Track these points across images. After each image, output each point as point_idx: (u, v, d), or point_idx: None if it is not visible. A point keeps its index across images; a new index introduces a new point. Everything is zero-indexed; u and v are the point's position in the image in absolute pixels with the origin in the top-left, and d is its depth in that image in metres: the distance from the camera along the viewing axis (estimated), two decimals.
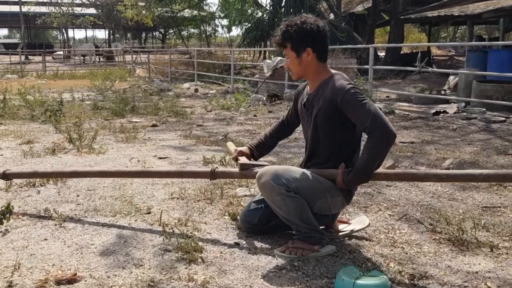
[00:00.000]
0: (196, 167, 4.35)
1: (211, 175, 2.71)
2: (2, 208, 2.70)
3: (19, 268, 2.22)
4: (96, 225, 2.82)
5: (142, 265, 2.26)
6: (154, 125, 7.10)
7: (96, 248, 2.47)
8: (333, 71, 2.52)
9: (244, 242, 2.57)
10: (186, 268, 2.23)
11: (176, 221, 2.87)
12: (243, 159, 2.68)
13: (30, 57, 32.46)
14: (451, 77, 11.19)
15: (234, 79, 13.70)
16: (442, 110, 8.21)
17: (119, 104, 8.71)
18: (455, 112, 8.17)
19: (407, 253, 2.50)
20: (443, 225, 2.91)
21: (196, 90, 13.42)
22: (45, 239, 2.59)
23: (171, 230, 2.64)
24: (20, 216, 2.95)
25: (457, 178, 2.88)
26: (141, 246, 2.50)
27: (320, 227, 2.51)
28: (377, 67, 10.26)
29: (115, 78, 16.54)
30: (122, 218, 2.95)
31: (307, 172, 2.42)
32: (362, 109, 2.26)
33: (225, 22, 35.66)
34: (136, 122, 7.44)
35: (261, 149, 2.85)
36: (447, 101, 9.19)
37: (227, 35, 40.90)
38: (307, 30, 2.43)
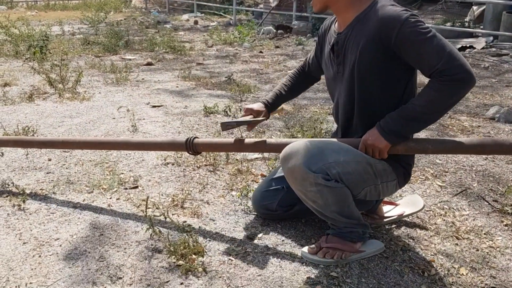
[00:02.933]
0: (196, 118, 3.65)
1: (187, 147, 1.98)
2: None
3: None
4: (67, 206, 2.16)
5: (120, 278, 1.62)
6: (149, 64, 6.32)
7: (61, 246, 1.83)
8: None
9: (260, 235, 1.92)
10: (181, 284, 1.59)
11: (170, 200, 2.22)
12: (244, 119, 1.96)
13: None
14: (474, 7, 10.16)
15: (237, 9, 12.62)
16: (468, 45, 7.38)
17: (112, 38, 7.86)
18: (483, 48, 7.33)
19: (477, 250, 1.87)
20: None
21: (196, 22, 12.39)
22: None
23: (162, 217, 1.99)
24: None
25: None
26: (122, 242, 1.85)
27: (360, 212, 1.85)
28: None
29: (110, 9, 15.46)
30: (101, 195, 2.28)
31: (351, 149, 1.69)
32: (430, 46, 1.52)
33: None
34: (130, 59, 6.66)
35: (278, 103, 2.10)
36: (471, 35, 8.29)
37: None
38: None
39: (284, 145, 1.74)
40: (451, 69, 1.50)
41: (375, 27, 1.61)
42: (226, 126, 1.90)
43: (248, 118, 1.94)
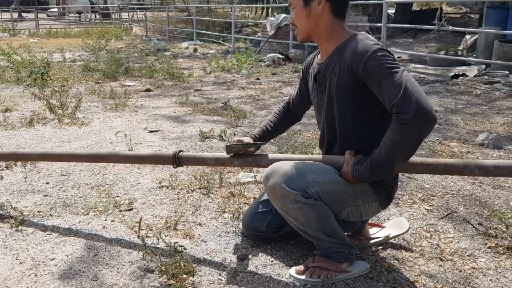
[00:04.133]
0: (192, 143, 3.74)
1: (173, 160, 2.06)
2: None
3: None
4: (63, 228, 2.23)
5: None
6: (148, 90, 6.46)
7: (56, 265, 1.89)
8: (353, 31, 1.84)
9: (250, 256, 1.98)
10: None
11: (163, 222, 2.28)
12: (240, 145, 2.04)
13: (23, 14, 31.27)
14: (467, 36, 10.40)
15: (235, 38, 12.88)
16: (461, 73, 7.53)
17: (112, 65, 8.04)
18: (475, 75, 7.49)
19: (460, 271, 1.92)
20: (496, 225, 2.33)
21: (195, 50, 12.64)
22: None
23: (155, 239, 2.05)
24: None
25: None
26: (115, 262, 1.92)
27: (346, 234, 1.92)
28: (391, 25, 9.46)
29: (111, 36, 15.75)
30: (96, 217, 2.35)
31: (331, 170, 1.78)
32: (390, 80, 1.58)
33: None
34: (129, 85, 6.80)
35: (264, 138, 2.18)
36: (464, 63, 8.47)
37: None
38: None
39: (263, 159, 1.85)
40: (406, 106, 1.53)
41: (348, 58, 1.72)
42: (231, 149, 1.97)
43: (251, 142, 2.02)
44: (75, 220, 2.32)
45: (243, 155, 1.99)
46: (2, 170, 3.05)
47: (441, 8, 18.34)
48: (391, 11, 17.98)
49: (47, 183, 2.83)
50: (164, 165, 2.71)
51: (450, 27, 8.39)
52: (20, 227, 2.22)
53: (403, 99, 1.54)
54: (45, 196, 2.64)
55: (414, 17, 15.36)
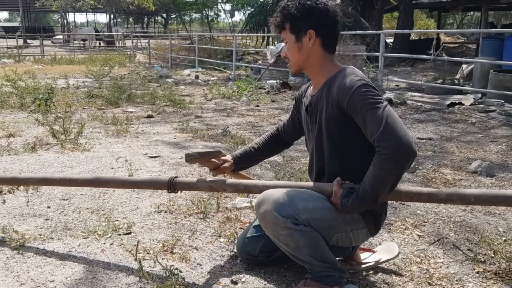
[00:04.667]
0: (190, 168, 3.82)
1: (169, 186, 2.14)
2: None
3: None
4: (63, 251, 2.30)
5: None
6: (149, 116, 6.59)
7: (55, 287, 1.95)
8: (343, 65, 1.94)
9: (243, 279, 2.04)
10: None
11: (160, 246, 2.35)
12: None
13: (29, 41, 31.81)
14: (464, 66, 10.60)
15: (236, 65, 13.12)
16: (457, 102, 7.67)
17: (115, 92, 8.20)
18: (471, 104, 7.63)
19: None
20: (485, 250, 2.39)
21: (197, 77, 12.87)
22: None
23: (152, 262, 2.12)
24: None
25: (491, 201, 1.84)
26: (113, 284, 1.97)
27: (338, 259, 1.99)
28: (388, 54, 9.66)
29: (114, 63, 16.02)
30: (96, 240, 2.42)
31: (322, 198, 1.86)
32: (373, 115, 1.66)
33: (228, 6, 34.76)
34: (131, 112, 6.93)
35: (246, 160, 2.28)
36: (461, 92, 8.63)
37: (230, 20, 39.97)
38: (310, 7, 1.87)
39: (254, 187, 1.93)
40: (386, 140, 1.60)
41: (335, 92, 1.82)
42: (189, 157, 2.07)
43: (211, 149, 2.14)
44: (75, 243, 2.38)
45: (236, 183, 2.06)
46: (5, 194, 3.12)
47: (438, 38, 18.72)
48: (390, 40, 18.33)
49: (49, 207, 2.90)
50: (161, 190, 2.78)
51: (446, 57, 8.57)
52: (21, 250, 2.29)
53: (384, 133, 1.62)
54: (46, 220, 2.71)
55: (412, 46, 15.68)
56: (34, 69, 14.08)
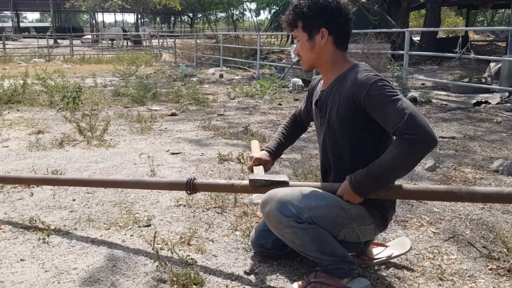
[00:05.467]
0: (210, 165, 3.90)
1: (187, 186, 2.18)
2: None
3: None
4: (85, 241, 2.41)
5: None
6: (173, 114, 6.71)
7: (78, 274, 2.05)
8: (355, 61, 1.98)
9: (257, 270, 2.10)
10: None
11: (178, 238, 2.43)
12: (257, 170, 2.18)
13: (59, 41, 32.64)
14: (492, 64, 10.39)
15: (260, 64, 13.18)
16: (483, 100, 7.54)
17: (140, 91, 8.38)
18: (498, 103, 7.49)
19: None
20: (500, 248, 2.39)
21: (221, 76, 12.99)
22: (22, 260, 2.19)
23: (169, 252, 2.20)
24: (2, 227, 2.57)
25: (496, 198, 1.86)
26: (132, 273, 2.07)
27: (350, 254, 2.02)
28: (413, 52, 9.56)
29: (141, 63, 16.31)
30: (117, 231, 2.52)
31: (326, 195, 1.89)
32: (394, 107, 1.71)
33: (253, 5, 34.84)
34: (156, 110, 7.07)
35: (279, 152, 2.38)
36: (488, 90, 8.47)
37: (255, 19, 40.06)
38: (322, 6, 1.89)
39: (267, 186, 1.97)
40: (411, 128, 1.65)
41: (349, 88, 1.85)
42: (254, 183, 2.05)
43: (279, 178, 2.05)
44: (97, 234, 2.49)
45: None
46: (33, 187, 3.27)
47: (467, 36, 18.35)
48: (417, 38, 18.08)
49: (74, 200, 3.03)
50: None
51: (472, 55, 8.42)
52: (46, 239, 2.41)
53: (408, 122, 1.66)
54: (71, 211, 2.83)
55: (440, 45, 15.42)
56: (64, 68, 14.48)
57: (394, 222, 2.72)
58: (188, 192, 2.21)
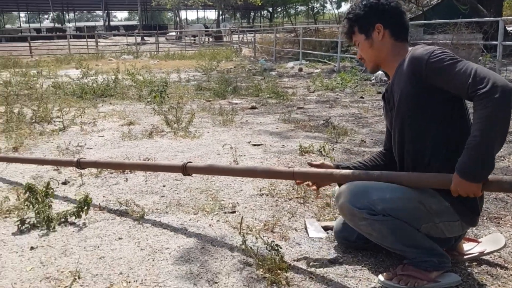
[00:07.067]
0: (291, 156, 3.94)
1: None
2: (80, 200, 2.54)
3: (80, 277, 2.00)
4: (176, 223, 2.55)
5: (216, 283, 1.91)
6: (253, 107, 6.83)
7: (170, 254, 2.19)
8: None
9: (341, 260, 2.11)
10: None
11: (262, 225, 2.50)
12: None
13: (146, 38, 34.33)
14: None
15: (341, 57, 12.98)
16: None
17: (221, 85, 8.61)
18: None
19: None
20: None
21: (300, 70, 12.98)
22: (120, 238, 2.37)
23: (253, 238, 2.27)
24: (100, 209, 2.79)
25: None
26: (219, 255, 2.16)
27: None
28: (508, 43, 8.92)
29: (222, 58, 16.71)
30: (204, 216, 2.64)
31: (402, 188, 1.84)
32: (458, 68, 1.67)
33: None
34: (236, 103, 7.24)
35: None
36: None
37: (336, 11, 39.42)
38: (373, 3, 1.96)
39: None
40: (481, 81, 1.60)
41: (408, 67, 1.83)
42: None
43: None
44: (186, 218, 2.63)
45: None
46: (127, 173, 3.50)
47: None
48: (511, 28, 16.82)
49: (164, 186, 3.21)
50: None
51: None
52: (141, 221, 2.58)
53: (475, 77, 1.62)
54: (162, 196, 3.00)
55: None
56: (150, 64, 15.22)
57: (486, 218, 2.59)
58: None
